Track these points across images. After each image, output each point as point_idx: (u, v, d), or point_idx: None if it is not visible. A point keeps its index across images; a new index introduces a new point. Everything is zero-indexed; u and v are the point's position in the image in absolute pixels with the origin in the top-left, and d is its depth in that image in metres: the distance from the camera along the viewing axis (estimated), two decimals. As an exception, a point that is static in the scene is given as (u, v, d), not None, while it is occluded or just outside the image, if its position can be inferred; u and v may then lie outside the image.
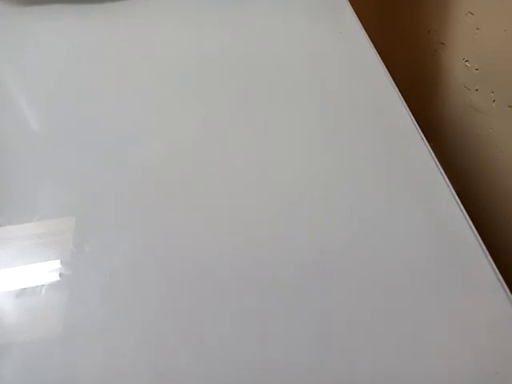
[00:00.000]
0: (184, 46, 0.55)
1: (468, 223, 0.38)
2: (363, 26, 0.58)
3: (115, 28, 0.58)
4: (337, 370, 0.32)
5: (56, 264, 0.37)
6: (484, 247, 0.37)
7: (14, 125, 0.48)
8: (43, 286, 0.36)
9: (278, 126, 0.47)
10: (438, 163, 0.42)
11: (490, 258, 0.37)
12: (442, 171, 0.42)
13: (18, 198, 0.41)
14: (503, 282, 0.36)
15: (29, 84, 0.53)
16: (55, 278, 0.36)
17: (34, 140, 0.47)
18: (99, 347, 0.33)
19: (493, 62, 0.61)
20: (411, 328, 0.34)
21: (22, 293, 0.36)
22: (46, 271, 0.37)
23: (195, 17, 0.59)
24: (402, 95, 0.50)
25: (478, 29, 0.61)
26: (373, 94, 0.50)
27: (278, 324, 0.34)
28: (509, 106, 0.60)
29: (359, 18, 0.59)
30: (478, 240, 0.38)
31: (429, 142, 0.45)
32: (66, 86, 0.51)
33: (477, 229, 0.39)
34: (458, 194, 0.41)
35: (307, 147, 0.45)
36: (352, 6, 0.60)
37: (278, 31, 0.57)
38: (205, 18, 0.59)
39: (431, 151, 0.42)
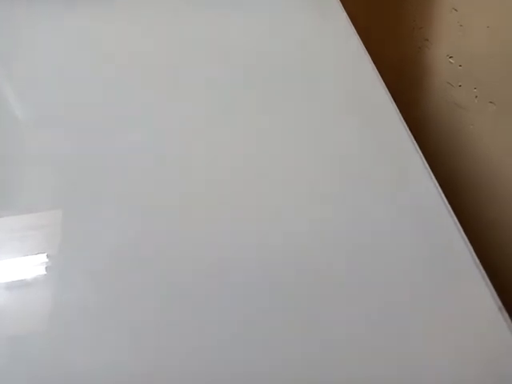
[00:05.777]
0: (177, 42, 0.55)
1: (450, 214, 0.39)
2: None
3: (109, 19, 0.57)
4: (321, 371, 0.32)
5: (44, 256, 0.37)
6: (469, 244, 0.38)
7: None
8: (32, 278, 0.36)
9: (264, 116, 0.47)
10: (419, 151, 0.42)
11: (475, 256, 0.37)
12: (425, 161, 0.43)
13: (4, 189, 0.41)
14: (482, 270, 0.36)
15: (15, 72, 0.52)
16: (43, 270, 0.36)
17: (19, 129, 0.46)
18: (89, 339, 0.33)
19: (476, 59, 0.62)
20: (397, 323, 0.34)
21: (10, 285, 0.35)
22: (34, 264, 0.37)
23: (188, 15, 0.59)
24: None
25: (461, 25, 0.62)
26: (359, 85, 0.51)
27: (275, 321, 0.34)
28: (490, 102, 0.61)
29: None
30: (466, 243, 0.38)
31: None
32: (55, 74, 0.51)
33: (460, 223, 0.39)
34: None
35: (294, 140, 0.46)
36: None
37: (264, 21, 0.57)
38: (195, 15, 0.59)
39: (412, 137, 0.43)
